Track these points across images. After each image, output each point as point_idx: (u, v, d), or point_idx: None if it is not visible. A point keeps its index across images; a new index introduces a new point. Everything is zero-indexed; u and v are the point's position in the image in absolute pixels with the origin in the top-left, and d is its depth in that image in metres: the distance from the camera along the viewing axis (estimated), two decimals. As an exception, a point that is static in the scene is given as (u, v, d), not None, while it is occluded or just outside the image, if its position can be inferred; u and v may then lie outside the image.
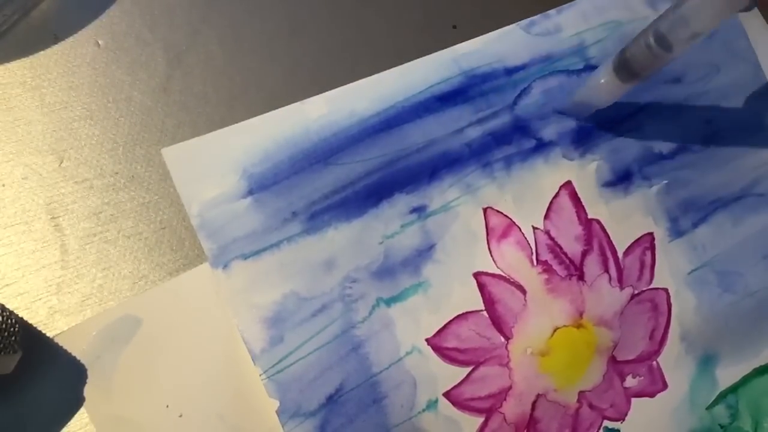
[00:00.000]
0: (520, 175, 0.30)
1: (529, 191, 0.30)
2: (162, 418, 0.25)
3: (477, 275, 0.28)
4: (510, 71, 0.31)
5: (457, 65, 0.30)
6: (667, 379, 0.30)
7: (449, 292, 0.28)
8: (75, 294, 0.25)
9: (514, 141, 0.30)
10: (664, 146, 0.32)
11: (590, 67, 0.31)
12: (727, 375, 0.30)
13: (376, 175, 0.28)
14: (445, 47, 0.30)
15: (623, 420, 0.29)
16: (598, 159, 0.31)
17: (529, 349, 0.28)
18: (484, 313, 0.28)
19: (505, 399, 0.28)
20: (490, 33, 0.31)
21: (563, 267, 0.29)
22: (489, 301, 0.28)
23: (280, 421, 0.25)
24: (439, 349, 0.27)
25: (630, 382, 0.29)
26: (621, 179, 0.31)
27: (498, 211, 0.29)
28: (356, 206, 0.28)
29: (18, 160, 0.26)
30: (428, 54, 0.30)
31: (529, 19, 0.32)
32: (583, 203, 0.30)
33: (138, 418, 0.24)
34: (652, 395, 0.29)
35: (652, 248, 0.30)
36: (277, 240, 0.27)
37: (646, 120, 0.32)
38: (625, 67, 0.26)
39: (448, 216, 0.29)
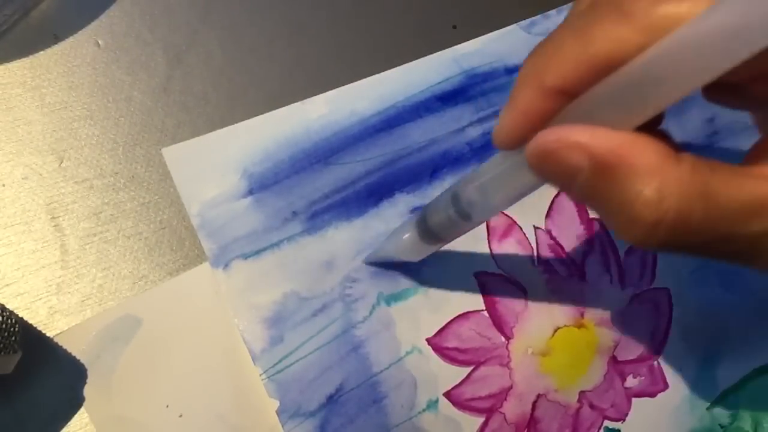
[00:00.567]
0: (520, 174, 0.30)
1: (530, 191, 0.30)
2: (162, 418, 0.25)
3: (478, 275, 0.28)
4: (510, 71, 0.31)
5: (457, 65, 0.30)
6: (667, 379, 0.29)
7: (450, 292, 0.28)
8: (75, 294, 0.25)
9: (515, 141, 0.30)
10: (664, 146, 0.31)
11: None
12: (728, 375, 0.30)
13: (376, 175, 0.28)
14: (446, 47, 0.30)
15: (624, 420, 0.29)
16: (598, 159, 0.31)
17: (530, 349, 0.28)
18: (485, 312, 0.28)
19: (505, 399, 0.28)
20: (490, 33, 0.31)
21: (564, 267, 0.29)
22: (490, 301, 0.28)
23: (280, 421, 0.25)
24: (439, 349, 0.27)
25: (631, 382, 0.29)
26: (621, 179, 0.31)
27: (498, 211, 0.29)
28: (357, 206, 0.28)
29: (18, 160, 0.26)
30: (428, 54, 0.30)
31: (529, 19, 0.32)
32: (584, 203, 0.30)
33: (138, 418, 0.24)
34: (652, 395, 0.29)
35: (653, 248, 0.30)
36: (278, 240, 0.27)
37: (647, 120, 0.32)
38: (428, 233, 0.23)
39: (449, 216, 0.28)
